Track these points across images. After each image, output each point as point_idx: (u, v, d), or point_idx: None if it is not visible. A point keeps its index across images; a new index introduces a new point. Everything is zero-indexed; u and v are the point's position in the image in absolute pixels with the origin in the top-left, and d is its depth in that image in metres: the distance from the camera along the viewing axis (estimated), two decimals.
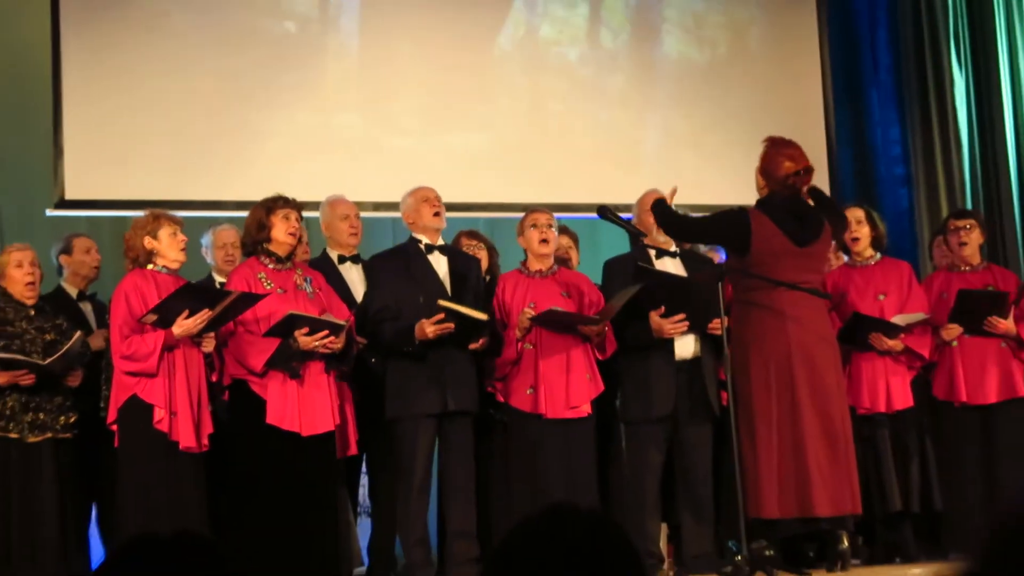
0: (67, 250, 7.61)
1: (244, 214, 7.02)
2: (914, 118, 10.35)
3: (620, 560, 1.91)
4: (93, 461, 7.00)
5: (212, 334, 6.49)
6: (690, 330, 6.84)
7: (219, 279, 7.47)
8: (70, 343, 6.70)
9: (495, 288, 7.17)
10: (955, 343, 7.49)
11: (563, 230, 7.77)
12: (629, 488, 7.04)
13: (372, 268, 7.12)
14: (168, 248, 6.58)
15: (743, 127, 9.67)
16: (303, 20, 9.28)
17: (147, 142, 8.76)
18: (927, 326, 7.40)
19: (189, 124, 8.86)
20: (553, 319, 6.83)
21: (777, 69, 10.10)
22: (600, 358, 6.99)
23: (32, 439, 6.70)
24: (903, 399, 7.30)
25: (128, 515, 6.34)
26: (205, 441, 6.43)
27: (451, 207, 7.48)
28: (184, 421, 6.32)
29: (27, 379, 6.66)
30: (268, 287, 6.56)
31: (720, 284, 6.51)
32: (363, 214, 7.79)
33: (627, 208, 7.27)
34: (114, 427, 6.43)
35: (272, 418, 6.41)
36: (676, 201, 6.76)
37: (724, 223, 6.72)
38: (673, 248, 7.10)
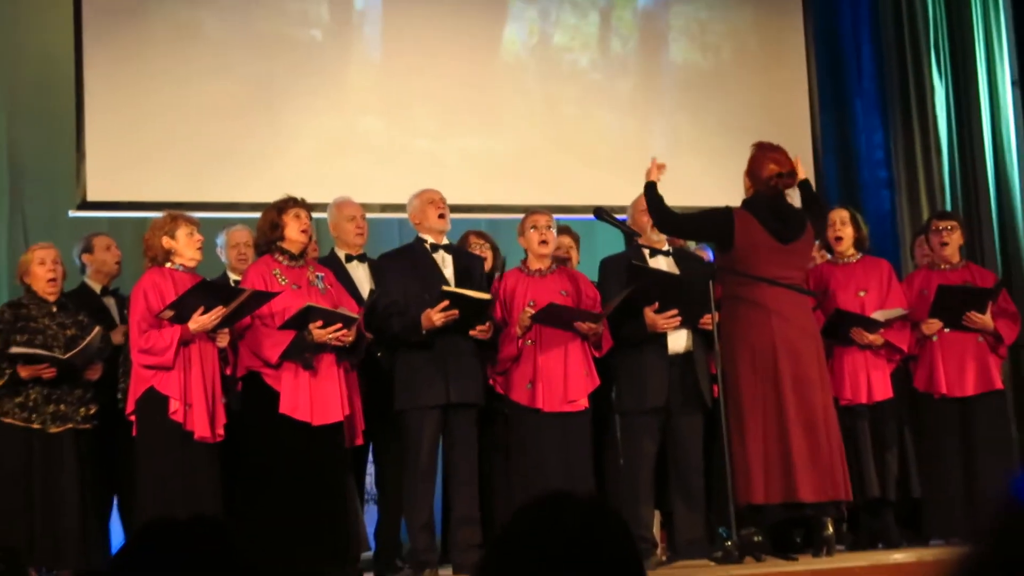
0: (88, 249, 7.62)
1: (257, 215, 7.03)
2: (896, 124, 10.34)
3: (616, 544, 1.90)
4: (113, 453, 7.00)
5: (226, 329, 6.49)
6: (682, 325, 6.85)
7: (233, 277, 7.48)
8: (89, 338, 6.70)
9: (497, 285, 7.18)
10: (935, 337, 7.50)
11: (565, 230, 7.80)
12: (624, 476, 7.06)
13: (381, 266, 7.13)
14: (185, 247, 6.59)
15: (734, 132, 9.70)
16: (313, 27, 9.27)
17: (165, 147, 8.76)
18: (906, 321, 7.43)
19: (204, 130, 8.85)
20: (552, 315, 6.82)
21: (766, 78, 10.09)
22: (597, 355, 6.99)
23: (54, 430, 6.71)
24: (883, 391, 7.32)
25: (146, 501, 6.35)
26: (219, 431, 6.43)
27: (456, 208, 7.47)
28: (199, 412, 6.33)
29: (48, 372, 6.67)
30: (283, 283, 6.58)
31: (711, 282, 6.53)
32: (370, 215, 7.80)
33: (623, 210, 7.27)
34: (132, 417, 6.43)
35: (285, 408, 6.42)
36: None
37: (708, 219, 6.78)
38: (666, 247, 7.11)
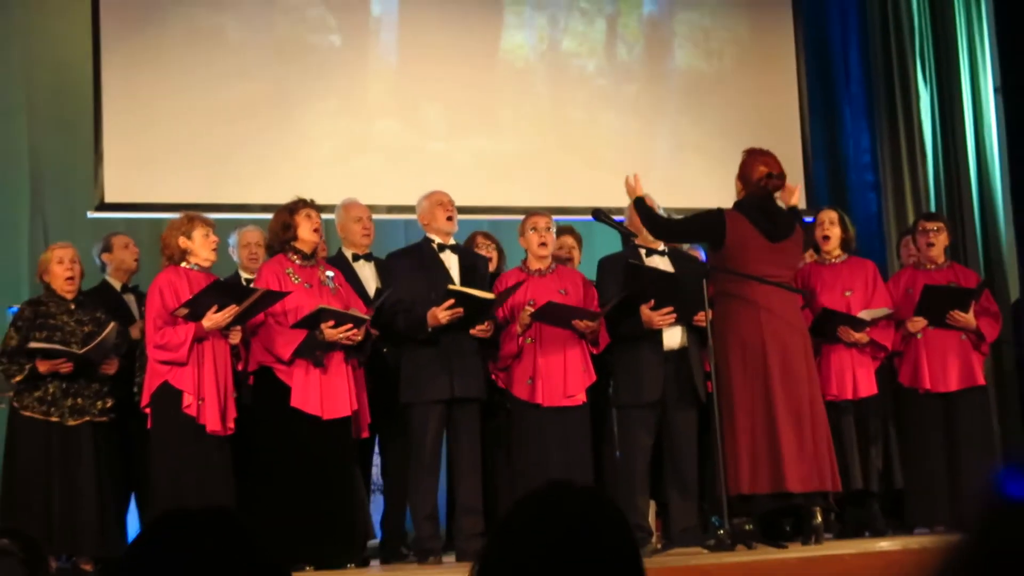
0: (107, 248, 7.64)
1: (267, 216, 7.04)
2: (883, 129, 10.34)
3: (613, 533, 1.90)
4: (129, 448, 7.00)
5: (238, 327, 6.49)
6: (677, 322, 6.86)
7: (244, 276, 7.48)
8: (104, 333, 6.71)
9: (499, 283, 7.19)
10: (920, 335, 7.52)
11: (569, 231, 7.84)
12: (621, 468, 7.06)
13: (389, 264, 7.13)
14: (201, 248, 6.59)
15: (729, 136, 9.72)
16: (325, 33, 9.28)
17: (179, 149, 8.78)
18: (890, 320, 7.45)
19: (217, 133, 8.87)
20: (551, 313, 6.83)
21: (759, 84, 10.09)
22: (594, 352, 7.00)
23: (72, 422, 6.71)
24: (868, 387, 7.34)
25: (160, 491, 6.37)
26: (231, 425, 6.44)
27: (462, 210, 7.47)
28: (211, 406, 6.34)
29: (65, 367, 6.67)
30: (296, 281, 6.60)
31: (704, 280, 6.54)
32: (377, 216, 7.81)
33: (620, 211, 7.27)
34: (147, 410, 6.43)
35: (296, 402, 6.43)
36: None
37: (701, 220, 6.80)
38: (662, 247, 7.11)
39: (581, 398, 6.91)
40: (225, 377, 6.45)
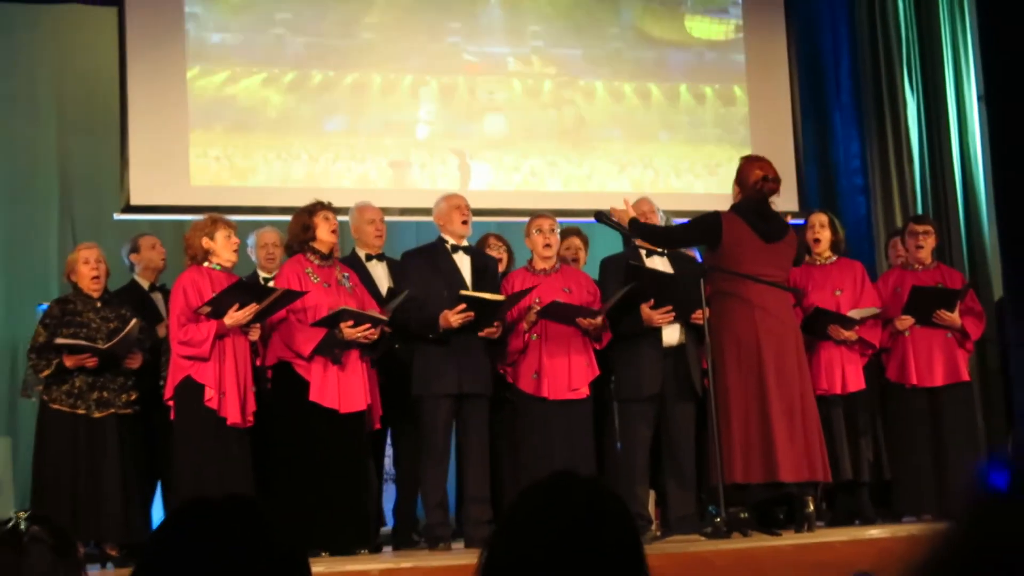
0: (135, 249, 7.65)
1: (284, 218, 7.04)
2: (871, 135, 10.33)
3: (615, 521, 1.90)
4: (154, 440, 7.00)
5: (258, 324, 6.50)
6: (676, 320, 6.87)
7: (262, 275, 7.48)
8: (127, 329, 6.71)
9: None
10: (907, 333, 7.51)
11: (576, 232, 7.85)
12: (621, 459, 7.06)
13: (403, 263, 7.13)
14: (223, 248, 6.60)
15: (723, 144, 9.75)
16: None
17: (201, 155, 8.78)
18: (878, 319, 7.44)
19: (237, 137, 8.87)
20: (556, 310, 6.83)
21: (752, 93, 10.08)
22: (597, 347, 7.00)
23: (97, 415, 6.72)
24: (856, 383, 7.34)
25: (183, 480, 6.39)
26: (250, 418, 6.45)
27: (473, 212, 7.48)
28: (231, 400, 6.35)
29: (91, 362, 6.68)
30: (315, 281, 6.61)
31: (702, 280, 6.55)
32: (389, 218, 7.81)
33: None
34: (170, 403, 6.45)
35: (314, 396, 6.44)
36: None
37: (699, 223, 6.82)
38: (660, 248, 7.12)
39: (585, 392, 6.91)
40: (245, 372, 6.46)
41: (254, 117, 8.96)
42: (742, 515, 6.43)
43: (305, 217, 6.73)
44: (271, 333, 6.62)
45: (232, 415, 6.33)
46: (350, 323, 6.46)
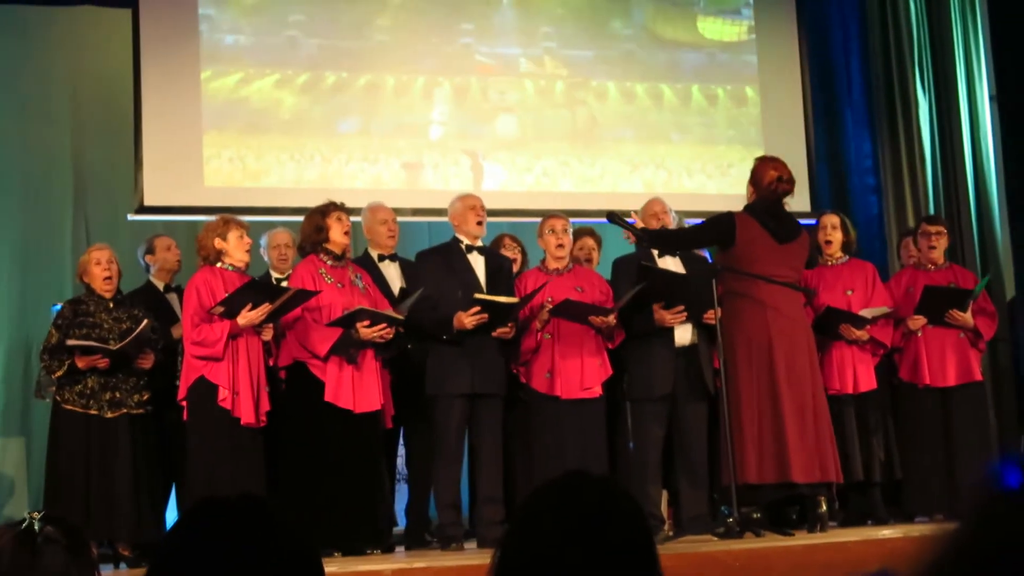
0: (151, 250, 7.65)
1: (297, 219, 7.05)
2: (883, 135, 10.31)
3: (628, 520, 1.90)
4: (167, 440, 7.01)
5: (271, 324, 6.51)
6: (687, 320, 6.87)
7: (274, 275, 7.49)
8: (138, 329, 6.71)
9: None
10: (920, 332, 7.50)
11: (589, 232, 7.85)
12: (634, 458, 7.05)
13: (418, 263, 7.13)
14: (235, 249, 6.61)
15: (736, 144, 9.74)
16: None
17: (215, 156, 8.80)
18: (889, 318, 7.43)
19: (251, 138, 8.88)
20: (568, 309, 6.83)
21: (764, 93, 10.07)
22: (610, 347, 7.00)
23: (110, 415, 6.72)
24: (868, 382, 7.33)
25: (197, 479, 6.38)
26: (263, 418, 6.45)
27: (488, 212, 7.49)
28: (245, 400, 6.35)
29: (102, 362, 6.68)
30: (328, 282, 6.61)
31: (714, 280, 6.54)
32: (401, 219, 7.81)
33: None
34: (183, 403, 6.45)
35: (330, 396, 6.44)
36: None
37: (712, 224, 6.82)
38: None
39: (597, 391, 6.91)
40: (258, 372, 6.47)
41: (267, 118, 8.98)
42: (754, 515, 6.43)
43: (318, 218, 6.73)
44: (285, 334, 6.63)
45: (246, 415, 6.34)
46: (366, 323, 6.46)
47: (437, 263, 6.96)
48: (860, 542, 6.06)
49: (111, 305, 6.91)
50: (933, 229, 7.76)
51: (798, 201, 7.72)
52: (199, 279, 6.52)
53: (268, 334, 6.53)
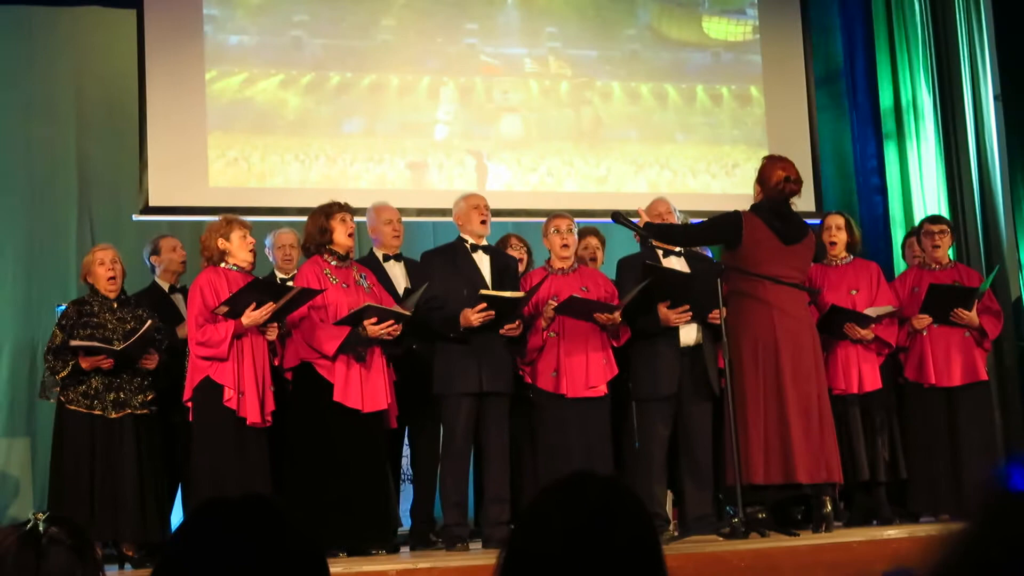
0: (156, 251, 7.65)
1: (301, 219, 7.05)
2: (888, 135, 10.30)
3: (633, 520, 1.89)
4: (172, 441, 7.01)
5: (275, 324, 6.51)
6: (692, 320, 6.86)
7: (280, 275, 7.49)
8: (142, 330, 6.71)
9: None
10: (925, 332, 7.49)
11: (593, 232, 7.84)
12: (639, 458, 7.05)
13: (424, 262, 7.12)
14: (238, 249, 6.61)
15: (741, 144, 9.74)
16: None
17: (219, 156, 8.80)
18: (894, 318, 7.43)
19: (255, 139, 8.89)
20: (573, 306, 6.83)
21: (769, 93, 10.06)
22: (616, 345, 7.00)
23: (114, 415, 6.71)
24: (873, 382, 7.32)
25: (202, 480, 6.38)
26: (268, 417, 6.45)
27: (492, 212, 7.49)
28: (250, 400, 6.35)
29: (107, 363, 6.67)
30: (333, 282, 6.60)
31: (719, 280, 6.53)
32: (407, 219, 7.82)
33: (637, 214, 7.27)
34: (189, 404, 6.45)
35: (338, 396, 6.44)
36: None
37: (719, 222, 6.80)
38: (677, 248, 7.11)
39: (603, 390, 6.92)
40: (263, 372, 6.47)
41: (272, 119, 8.98)
42: (760, 515, 6.43)
43: (322, 219, 6.73)
44: (291, 334, 6.62)
45: (251, 415, 6.34)
46: (373, 320, 6.45)
47: (442, 262, 6.96)
48: (865, 542, 6.05)
49: (115, 305, 6.91)
50: (936, 228, 7.75)
51: (803, 201, 7.70)
52: (203, 280, 6.52)
53: (272, 334, 6.53)
